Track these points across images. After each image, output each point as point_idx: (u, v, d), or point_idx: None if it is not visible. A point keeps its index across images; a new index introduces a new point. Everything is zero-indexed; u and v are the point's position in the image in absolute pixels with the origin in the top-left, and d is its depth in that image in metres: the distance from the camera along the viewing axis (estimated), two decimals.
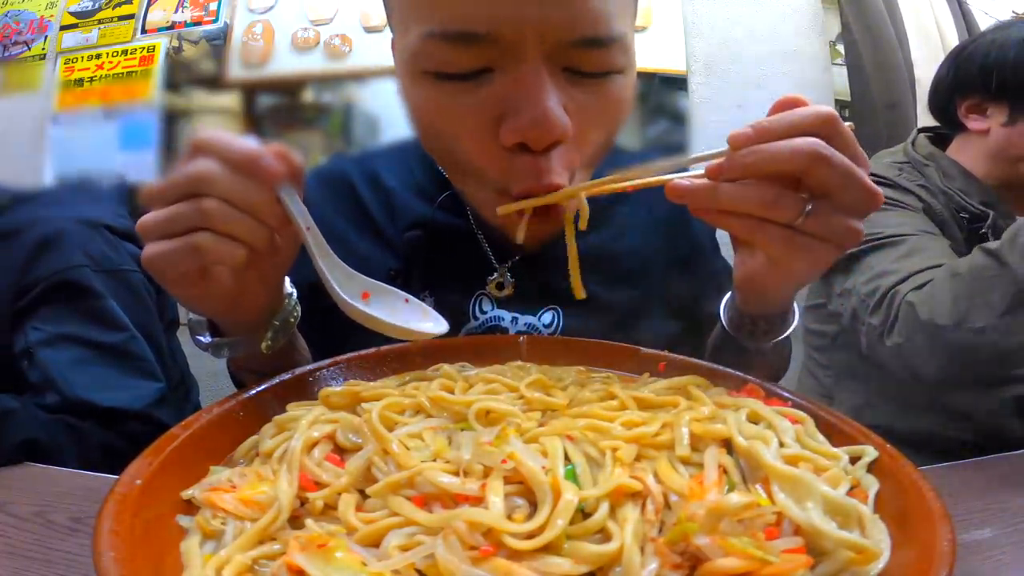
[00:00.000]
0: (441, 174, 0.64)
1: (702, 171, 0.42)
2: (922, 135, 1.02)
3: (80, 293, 0.77)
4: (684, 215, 0.70)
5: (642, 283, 0.67)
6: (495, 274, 0.62)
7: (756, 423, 0.35)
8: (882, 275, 0.86)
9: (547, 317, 0.64)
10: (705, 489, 0.29)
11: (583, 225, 0.50)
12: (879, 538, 0.27)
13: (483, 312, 0.63)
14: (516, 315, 0.64)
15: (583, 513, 0.28)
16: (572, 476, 0.29)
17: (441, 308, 0.54)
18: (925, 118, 1.77)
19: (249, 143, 0.40)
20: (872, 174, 0.95)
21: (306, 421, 0.35)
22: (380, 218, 0.65)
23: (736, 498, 0.27)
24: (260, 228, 0.40)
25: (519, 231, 0.50)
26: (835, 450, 0.34)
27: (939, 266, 0.81)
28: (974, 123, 0.93)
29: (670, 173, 0.44)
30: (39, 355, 0.75)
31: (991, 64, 0.90)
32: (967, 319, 0.75)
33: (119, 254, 0.84)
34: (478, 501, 0.28)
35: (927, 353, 0.79)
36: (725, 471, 0.31)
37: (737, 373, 0.47)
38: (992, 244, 0.76)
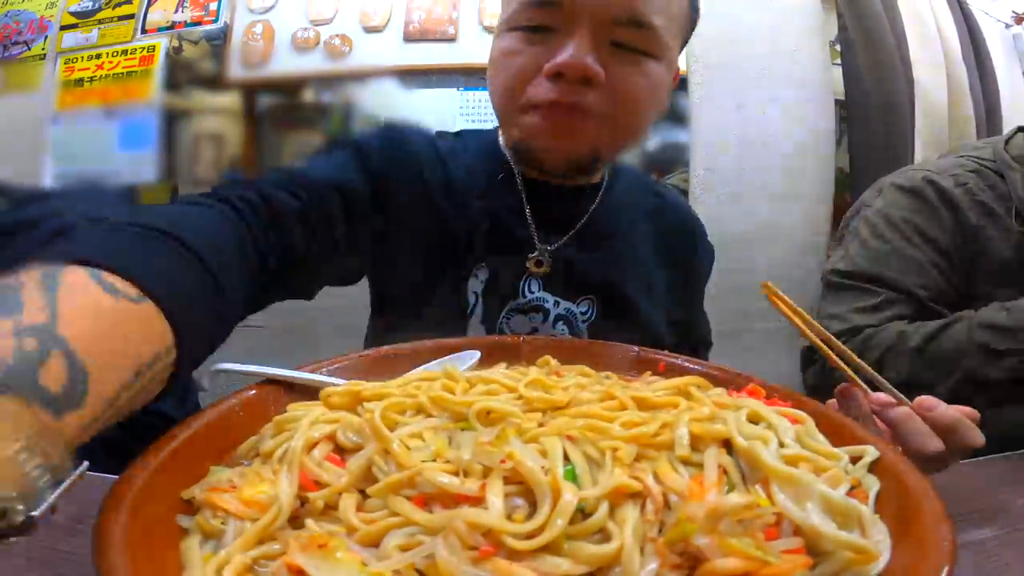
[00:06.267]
0: (503, 156, 0.71)
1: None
2: (1021, 134, 0.96)
3: None
4: (691, 247, 0.81)
5: (654, 292, 0.75)
6: (535, 252, 0.69)
7: (756, 423, 0.35)
8: (832, 318, 0.87)
9: (584, 306, 0.71)
10: (705, 489, 0.29)
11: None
12: (879, 539, 0.27)
13: (531, 292, 0.70)
14: (558, 299, 0.70)
15: (583, 513, 0.28)
16: (572, 476, 0.29)
17: (494, 282, 0.69)
18: (924, 119, 1.78)
19: None
20: (926, 172, 0.94)
21: (307, 421, 0.35)
22: (458, 185, 0.71)
23: (736, 498, 0.27)
24: None
25: (542, 136, 0.62)
26: (835, 450, 0.34)
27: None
28: None
29: None
30: None
31: None
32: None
33: None
34: (478, 501, 0.28)
35: None
36: (725, 471, 0.31)
37: (738, 373, 0.47)
38: (923, 330, 0.77)
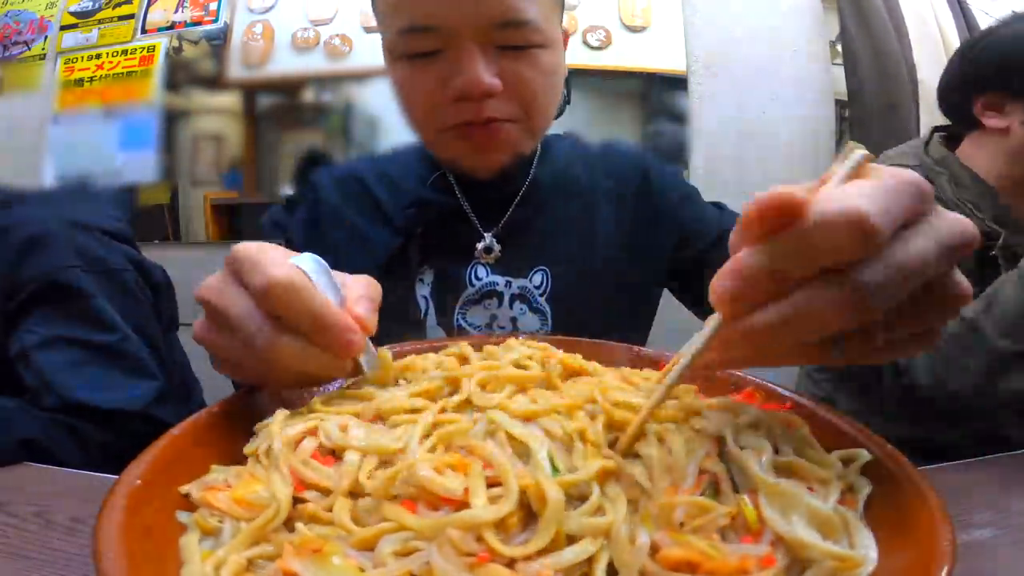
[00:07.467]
0: (435, 162, 0.72)
1: None
2: (936, 136, 0.95)
3: (71, 294, 0.76)
4: (648, 187, 0.76)
5: (617, 247, 0.73)
6: (484, 240, 0.70)
7: (752, 428, 0.35)
8: None
9: (537, 278, 0.70)
10: (676, 489, 0.29)
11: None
12: (865, 544, 0.27)
13: (479, 279, 0.70)
14: (509, 279, 0.70)
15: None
16: (554, 470, 0.30)
17: (440, 279, 0.69)
18: (928, 120, 1.78)
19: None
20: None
21: (276, 425, 0.34)
22: (387, 204, 0.73)
23: (685, 498, 0.28)
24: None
25: (467, 156, 0.66)
26: (828, 456, 0.34)
27: None
28: (991, 120, 0.88)
29: None
30: (35, 358, 0.74)
31: (1012, 58, 0.86)
32: (945, 383, 0.74)
33: (112, 255, 0.83)
34: (462, 505, 0.27)
35: (909, 407, 0.79)
36: (717, 479, 0.31)
37: (736, 375, 0.46)
38: (968, 310, 0.74)
